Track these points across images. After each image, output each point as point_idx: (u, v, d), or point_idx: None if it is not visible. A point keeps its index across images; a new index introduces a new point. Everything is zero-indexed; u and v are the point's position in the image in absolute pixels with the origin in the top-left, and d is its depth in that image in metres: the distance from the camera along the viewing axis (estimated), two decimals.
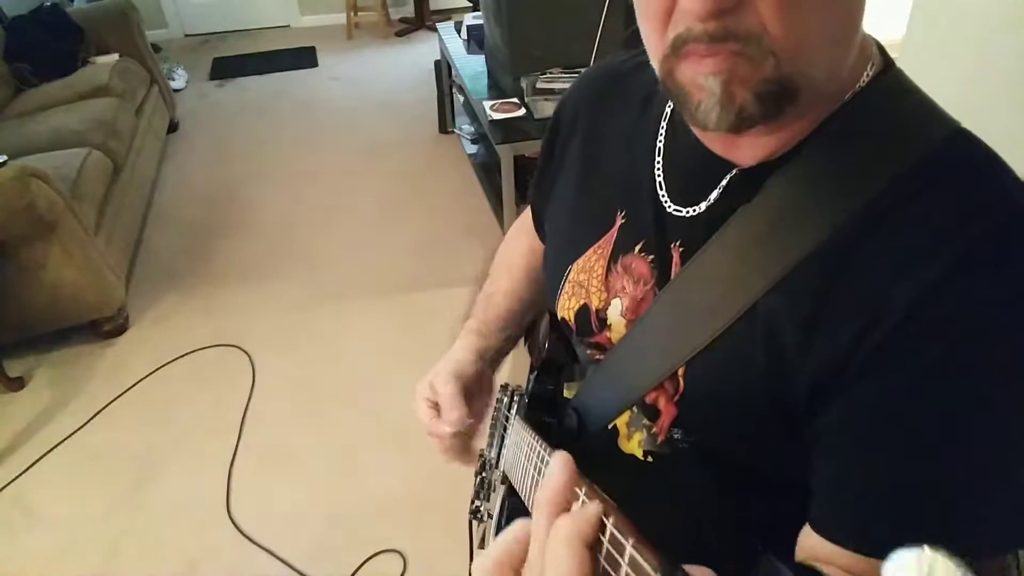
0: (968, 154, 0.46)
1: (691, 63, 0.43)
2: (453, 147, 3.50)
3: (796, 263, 0.46)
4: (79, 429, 2.07)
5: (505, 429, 0.68)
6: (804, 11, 0.41)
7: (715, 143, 0.52)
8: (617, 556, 0.30)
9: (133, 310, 2.51)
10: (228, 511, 1.81)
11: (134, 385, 2.22)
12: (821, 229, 0.46)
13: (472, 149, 3.29)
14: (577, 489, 0.35)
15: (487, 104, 2.49)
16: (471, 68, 2.90)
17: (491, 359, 0.76)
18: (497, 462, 0.69)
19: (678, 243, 0.55)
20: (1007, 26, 1.32)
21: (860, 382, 0.44)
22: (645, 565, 0.28)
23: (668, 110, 0.58)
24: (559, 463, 0.36)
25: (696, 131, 0.53)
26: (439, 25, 3.44)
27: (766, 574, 0.25)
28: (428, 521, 1.72)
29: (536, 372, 0.67)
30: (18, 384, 2.22)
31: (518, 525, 0.38)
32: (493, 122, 2.41)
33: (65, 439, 2.04)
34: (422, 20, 5.20)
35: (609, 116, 0.65)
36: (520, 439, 0.61)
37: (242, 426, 2.05)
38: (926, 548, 0.23)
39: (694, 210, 0.54)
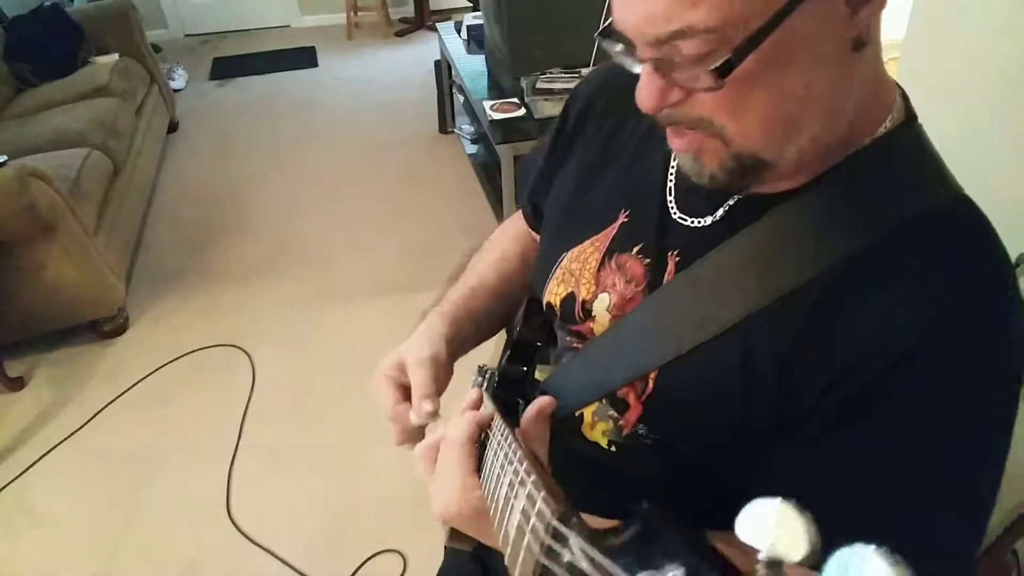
0: (967, 224, 0.47)
1: (668, 134, 0.48)
2: (453, 147, 3.50)
3: (785, 293, 0.48)
4: (79, 429, 2.07)
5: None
6: (748, 107, 0.43)
7: None
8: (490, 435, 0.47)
9: (133, 310, 2.51)
10: (228, 511, 1.81)
11: (134, 385, 2.22)
12: (814, 266, 0.47)
13: (472, 149, 3.29)
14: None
15: (487, 104, 2.48)
16: (471, 68, 2.90)
17: (455, 350, 0.70)
18: None
19: (676, 252, 0.56)
20: (1008, 26, 1.32)
21: (828, 425, 0.46)
22: (505, 441, 0.43)
23: None
24: (476, 391, 0.53)
25: None
26: (439, 25, 3.44)
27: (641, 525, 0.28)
28: (428, 521, 1.71)
29: (509, 352, 0.67)
30: (18, 384, 2.22)
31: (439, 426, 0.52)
32: (493, 122, 2.41)
33: (65, 439, 2.04)
34: (422, 20, 5.20)
35: (626, 115, 0.65)
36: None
37: (242, 426, 2.05)
38: (778, 500, 0.25)
39: (698, 222, 0.55)
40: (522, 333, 0.66)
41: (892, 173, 0.48)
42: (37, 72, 3.21)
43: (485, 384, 0.68)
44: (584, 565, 0.28)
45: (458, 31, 3.24)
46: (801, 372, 0.47)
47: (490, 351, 0.87)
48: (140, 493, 1.88)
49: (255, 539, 1.74)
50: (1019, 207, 1.29)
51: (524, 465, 0.38)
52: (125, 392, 2.19)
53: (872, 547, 0.21)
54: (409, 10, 5.39)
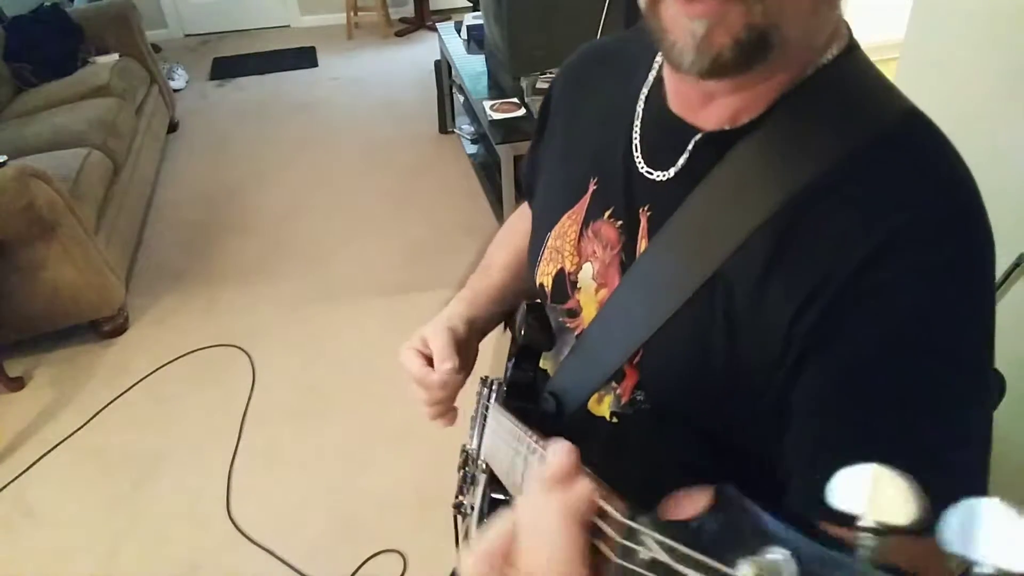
0: (919, 134, 0.48)
1: (680, 2, 0.43)
2: (453, 147, 3.50)
3: (752, 231, 0.48)
4: (79, 429, 2.07)
5: (485, 419, 0.69)
6: None
7: (681, 107, 0.54)
8: (617, 539, 0.29)
9: (133, 310, 2.51)
10: (228, 511, 1.81)
11: (134, 385, 2.22)
12: (776, 197, 0.48)
13: (472, 149, 3.29)
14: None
15: (487, 104, 2.49)
16: (471, 68, 2.90)
17: (478, 329, 0.77)
18: (478, 453, 0.70)
19: (646, 207, 0.56)
20: (1009, 27, 1.32)
21: (813, 349, 0.46)
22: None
23: (651, 77, 0.60)
24: (564, 445, 0.34)
25: (668, 87, 0.55)
26: (439, 25, 3.44)
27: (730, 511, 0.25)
28: (428, 521, 1.72)
29: (514, 359, 0.67)
30: (18, 384, 2.22)
31: (504, 516, 0.35)
32: (493, 122, 2.41)
33: (65, 439, 2.04)
34: (422, 20, 5.20)
35: (590, 90, 0.67)
36: (498, 425, 0.62)
37: (242, 426, 2.05)
38: (872, 464, 0.23)
39: (663, 175, 0.55)
40: (526, 337, 0.66)
41: (840, 100, 0.49)
42: (37, 72, 3.21)
43: (494, 396, 0.68)
44: (664, 557, 0.25)
45: (458, 31, 3.25)
46: (773, 303, 0.47)
47: (489, 362, 0.88)
48: (140, 493, 1.88)
49: (255, 539, 1.74)
50: (1020, 206, 1.29)
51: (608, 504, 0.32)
52: (125, 392, 2.19)
53: (985, 500, 0.20)
54: (409, 10, 5.40)
